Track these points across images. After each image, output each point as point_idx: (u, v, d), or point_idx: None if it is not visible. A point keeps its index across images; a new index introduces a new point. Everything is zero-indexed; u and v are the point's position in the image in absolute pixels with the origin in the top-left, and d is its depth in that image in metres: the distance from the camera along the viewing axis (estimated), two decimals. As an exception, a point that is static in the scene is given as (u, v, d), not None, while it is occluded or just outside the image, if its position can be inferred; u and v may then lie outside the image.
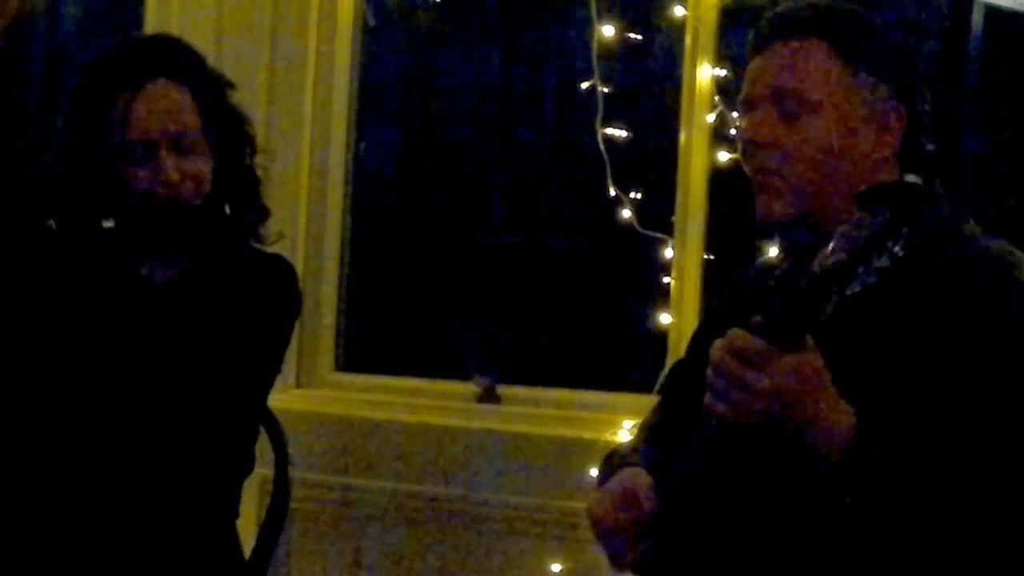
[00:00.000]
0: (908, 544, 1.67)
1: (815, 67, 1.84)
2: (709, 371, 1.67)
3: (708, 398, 1.67)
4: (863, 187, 1.67)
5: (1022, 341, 1.70)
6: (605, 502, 1.89)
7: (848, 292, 1.60)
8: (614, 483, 1.92)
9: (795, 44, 1.85)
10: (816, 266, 1.61)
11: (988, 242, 1.83)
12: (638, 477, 1.90)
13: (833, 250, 1.60)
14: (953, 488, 1.65)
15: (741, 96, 1.91)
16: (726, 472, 1.79)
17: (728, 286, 2.13)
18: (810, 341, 1.64)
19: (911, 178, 1.85)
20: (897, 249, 1.60)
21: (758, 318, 1.64)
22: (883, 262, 1.60)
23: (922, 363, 1.71)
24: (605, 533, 1.88)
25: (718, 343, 1.66)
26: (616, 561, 1.89)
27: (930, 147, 1.68)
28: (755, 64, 1.90)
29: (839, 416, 1.66)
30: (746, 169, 1.92)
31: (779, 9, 1.92)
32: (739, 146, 1.93)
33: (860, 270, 1.60)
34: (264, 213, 2.38)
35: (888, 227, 1.60)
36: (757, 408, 1.64)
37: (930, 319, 1.73)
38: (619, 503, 1.87)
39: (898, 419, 1.67)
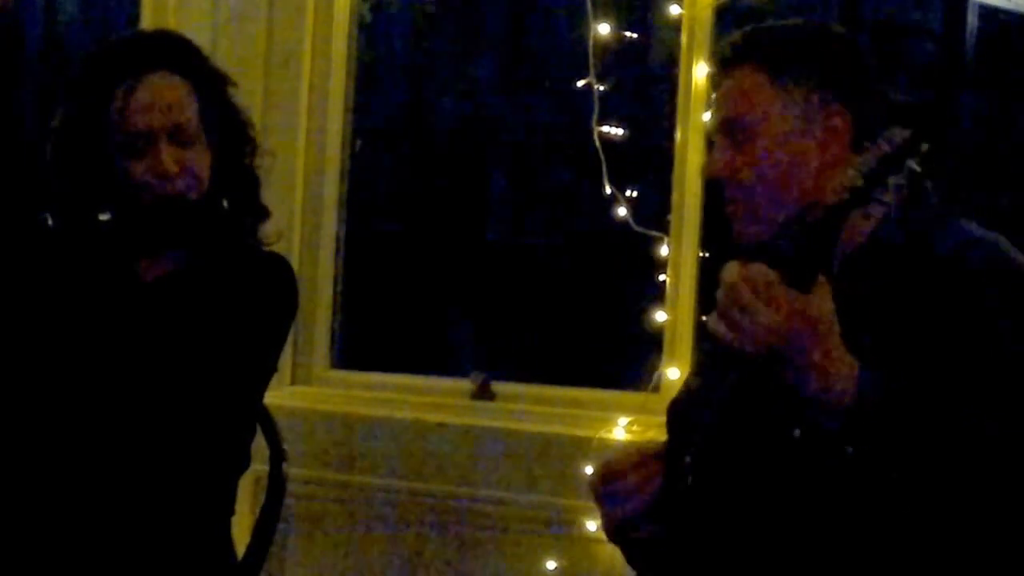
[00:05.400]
0: (908, 496, 1.69)
1: (749, 91, 1.92)
2: (719, 293, 1.67)
3: (712, 320, 1.68)
4: (828, 188, 1.70)
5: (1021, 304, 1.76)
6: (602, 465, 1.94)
7: (867, 212, 1.65)
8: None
9: (734, 74, 1.94)
10: (830, 199, 1.65)
11: (983, 233, 1.87)
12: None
13: (849, 177, 1.64)
14: (952, 439, 1.67)
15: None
16: (731, 434, 1.82)
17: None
18: (824, 282, 1.66)
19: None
20: (914, 165, 1.63)
21: (777, 243, 1.70)
22: (900, 179, 1.63)
23: (923, 326, 1.75)
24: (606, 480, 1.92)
25: (733, 267, 1.67)
26: (612, 519, 1.92)
27: (925, 146, 1.70)
28: (713, 101, 2.00)
29: (842, 367, 1.67)
30: None
31: (722, 42, 2.02)
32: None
33: (876, 191, 1.63)
34: (263, 213, 2.37)
35: (908, 143, 1.63)
36: (759, 340, 1.64)
37: (928, 290, 1.78)
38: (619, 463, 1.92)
39: (899, 374, 1.70)
